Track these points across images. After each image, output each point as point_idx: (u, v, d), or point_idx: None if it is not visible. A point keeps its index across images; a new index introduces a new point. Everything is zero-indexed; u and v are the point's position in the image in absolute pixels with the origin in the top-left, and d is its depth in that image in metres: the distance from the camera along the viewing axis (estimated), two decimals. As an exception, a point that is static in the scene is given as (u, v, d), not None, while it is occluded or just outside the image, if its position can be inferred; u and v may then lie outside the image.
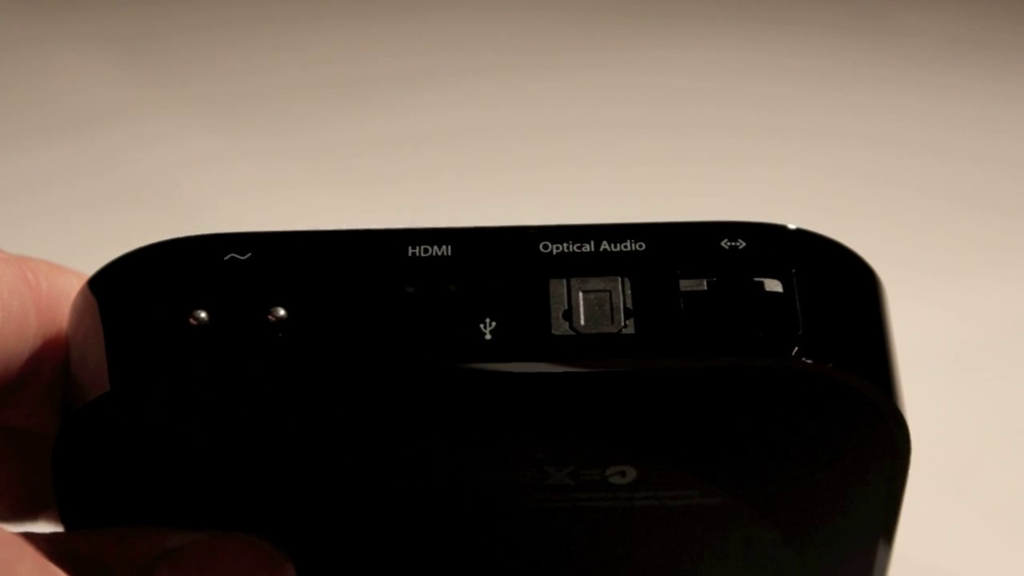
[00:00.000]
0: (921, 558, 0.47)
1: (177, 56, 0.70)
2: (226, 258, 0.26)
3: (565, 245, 0.26)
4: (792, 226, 0.27)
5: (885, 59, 0.70)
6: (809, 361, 0.25)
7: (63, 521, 0.29)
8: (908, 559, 0.42)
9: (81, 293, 0.27)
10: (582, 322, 0.26)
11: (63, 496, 0.28)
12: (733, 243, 0.26)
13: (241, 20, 0.72)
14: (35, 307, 0.28)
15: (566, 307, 0.26)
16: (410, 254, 0.26)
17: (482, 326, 0.26)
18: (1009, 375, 0.55)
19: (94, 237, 0.60)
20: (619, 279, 0.26)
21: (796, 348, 0.25)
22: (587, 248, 0.26)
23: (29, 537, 0.27)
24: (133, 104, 0.67)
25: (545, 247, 0.26)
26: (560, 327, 0.26)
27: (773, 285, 0.26)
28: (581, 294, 0.26)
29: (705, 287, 0.26)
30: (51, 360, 0.29)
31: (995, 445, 0.52)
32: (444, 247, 0.26)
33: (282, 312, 0.26)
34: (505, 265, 0.26)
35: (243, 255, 0.26)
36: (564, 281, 0.26)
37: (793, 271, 0.26)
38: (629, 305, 0.26)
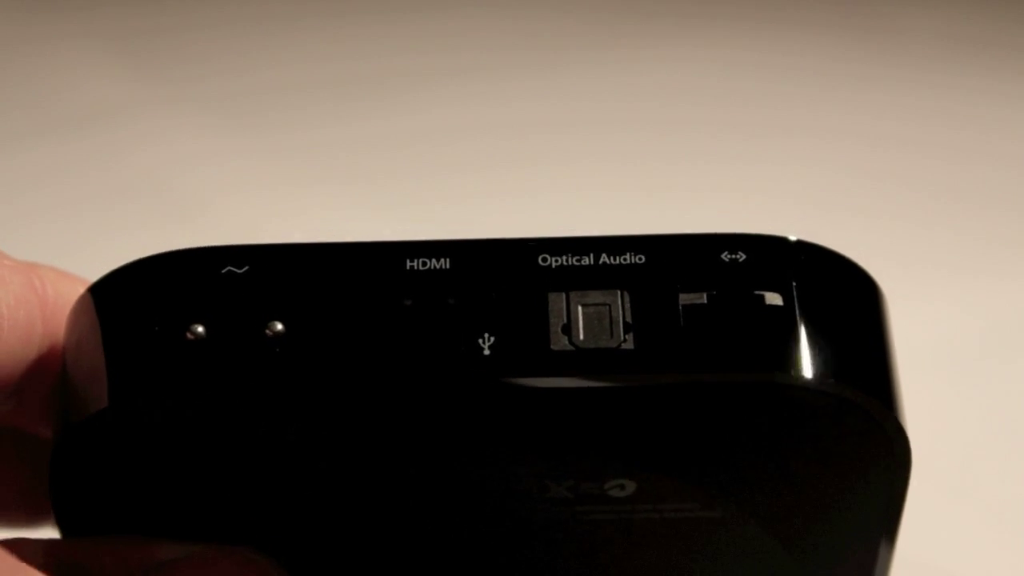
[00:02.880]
0: (921, 558, 0.47)
1: (176, 55, 0.70)
2: (223, 271, 0.26)
3: (564, 258, 0.26)
4: (793, 238, 0.27)
5: (885, 58, 0.70)
6: (809, 376, 0.25)
7: (60, 529, 0.29)
8: (908, 559, 0.42)
9: (78, 306, 0.27)
10: (581, 336, 0.25)
11: (60, 507, 0.28)
12: (733, 256, 0.26)
13: (240, 19, 0.72)
14: (41, 314, 0.28)
15: (565, 321, 0.26)
16: (408, 267, 0.26)
17: (481, 341, 0.25)
18: (1011, 374, 0.55)
19: (93, 236, 0.59)
20: (618, 292, 0.26)
21: (796, 362, 0.25)
22: (586, 261, 0.26)
23: (26, 544, 0.27)
24: (132, 103, 0.67)
25: (544, 260, 0.26)
26: (559, 342, 0.25)
27: (773, 299, 0.26)
28: (580, 308, 0.26)
29: (705, 301, 0.26)
30: (56, 367, 0.29)
31: (996, 444, 0.52)
32: (442, 260, 0.26)
33: (279, 326, 0.26)
34: (504, 278, 0.26)
35: (240, 268, 0.26)
36: (563, 295, 0.26)
37: (794, 284, 0.26)
38: (628, 319, 0.26)
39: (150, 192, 0.63)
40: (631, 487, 0.28)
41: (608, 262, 0.26)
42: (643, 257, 0.26)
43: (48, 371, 0.28)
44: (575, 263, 0.26)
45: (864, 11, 0.72)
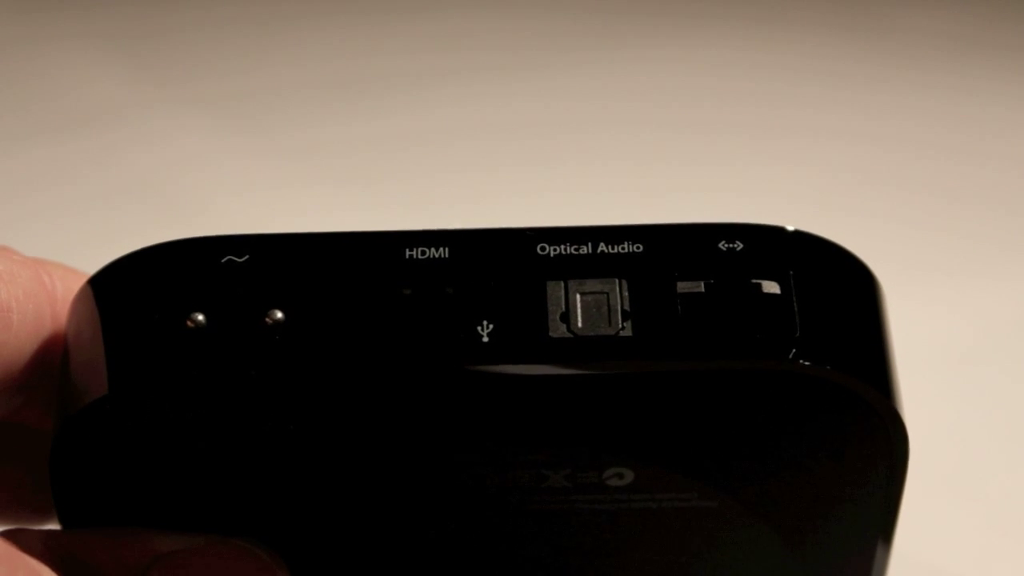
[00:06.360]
0: (922, 558, 0.47)
1: (175, 55, 0.70)
2: (223, 261, 0.26)
3: (562, 247, 0.26)
4: (790, 228, 0.27)
5: (885, 58, 0.70)
6: (807, 363, 0.25)
7: (61, 521, 0.29)
8: (909, 559, 0.42)
9: (79, 296, 0.27)
10: (579, 324, 0.26)
11: (61, 497, 0.28)
12: (731, 245, 0.26)
13: (240, 20, 0.72)
14: (51, 310, 0.28)
15: (563, 309, 0.26)
16: (407, 256, 0.26)
17: (479, 328, 0.26)
18: (1012, 374, 0.55)
19: (92, 236, 0.59)
20: (616, 281, 0.26)
21: (794, 350, 0.25)
22: (584, 250, 0.26)
23: (24, 535, 0.27)
24: (132, 103, 0.67)
25: (542, 249, 0.26)
26: (558, 329, 0.26)
27: (771, 287, 0.26)
28: (579, 296, 0.26)
29: (703, 289, 0.26)
30: None
31: (997, 444, 0.52)
32: (441, 249, 0.26)
33: (279, 315, 0.26)
34: (502, 267, 0.26)
35: (240, 257, 0.26)
36: (561, 283, 0.26)
37: (791, 273, 0.26)
38: (627, 307, 0.26)
39: (150, 192, 0.63)
40: (629, 476, 0.28)
41: (606, 251, 0.26)
42: (641, 246, 0.26)
43: (56, 367, 0.29)
44: (573, 252, 0.26)
45: (864, 11, 0.72)
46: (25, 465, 0.32)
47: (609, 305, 0.26)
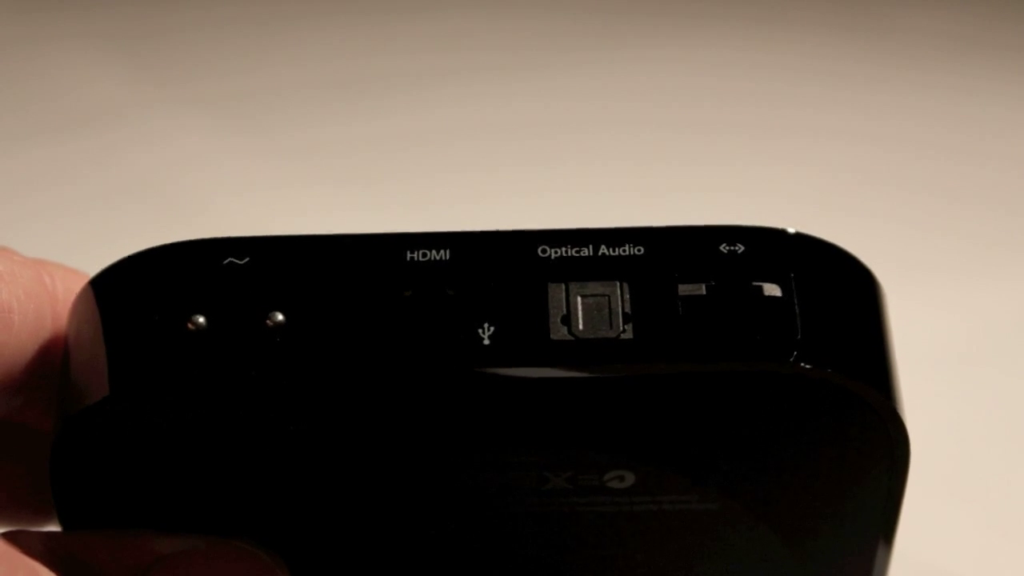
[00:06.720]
0: (922, 558, 0.47)
1: (176, 55, 0.70)
2: (224, 262, 0.26)
3: (563, 249, 0.26)
4: (791, 230, 0.27)
5: (885, 57, 0.70)
6: (808, 366, 0.25)
7: (61, 522, 0.29)
8: (909, 559, 0.42)
9: (80, 297, 0.27)
10: (580, 327, 0.26)
11: (61, 498, 0.28)
12: (732, 247, 0.26)
13: (240, 20, 0.72)
14: (51, 310, 0.28)
15: (565, 312, 0.26)
16: (408, 258, 0.26)
17: (481, 331, 0.26)
18: (1012, 374, 0.55)
19: (92, 236, 0.60)
20: (618, 283, 0.26)
21: (795, 353, 0.25)
22: (585, 252, 0.26)
23: (24, 537, 0.27)
24: (132, 103, 0.67)
25: (543, 251, 0.26)
26: (559, 332, 0.26)
27: (772, 290, 0.26)
28: (580, 298, 0.26)
29: (704, 292, 0.26)
30: None
31: (998, 445, 0.52)
32: (442, 251, 0.26)
33: (280, 317, 0.26)
34: (503, 269, 0.26)
35: (241, 260, 0.26)
36: (563, 285, 0.26)
37: (792, 275, 0.26)
38: (628, 310, 0.26)
39: (150, 192, 0.63)
40: (630, 478, 0.28)
41: (607, 253, 0.26)
42: (642, 249, 0.26)
43: (57, 367, 0.29)
44: (574, 254, 0.26)
45: (864, 11, 0.72)
46: (25, 465, 0.32)
47: (610, 307, 0.26)
